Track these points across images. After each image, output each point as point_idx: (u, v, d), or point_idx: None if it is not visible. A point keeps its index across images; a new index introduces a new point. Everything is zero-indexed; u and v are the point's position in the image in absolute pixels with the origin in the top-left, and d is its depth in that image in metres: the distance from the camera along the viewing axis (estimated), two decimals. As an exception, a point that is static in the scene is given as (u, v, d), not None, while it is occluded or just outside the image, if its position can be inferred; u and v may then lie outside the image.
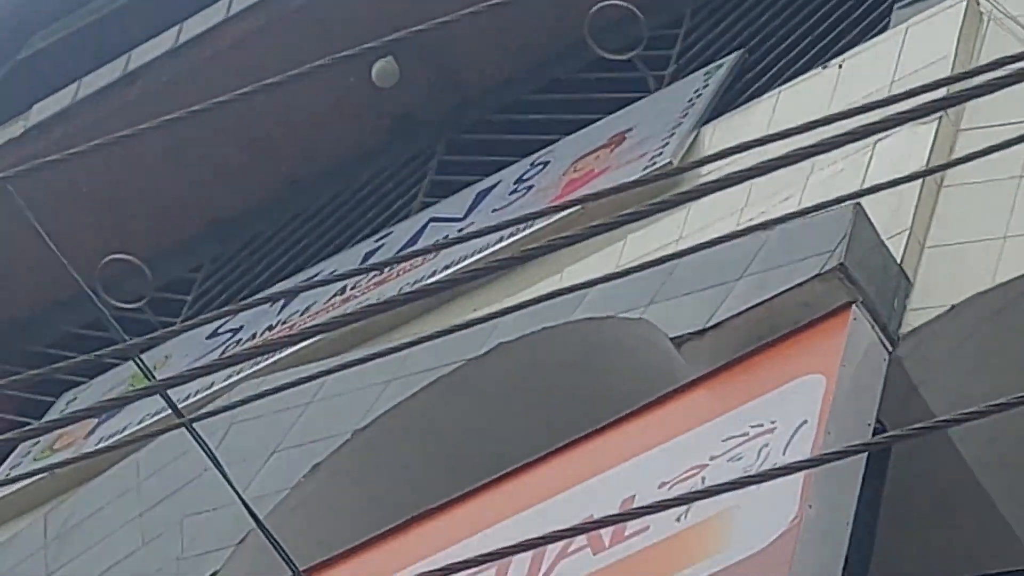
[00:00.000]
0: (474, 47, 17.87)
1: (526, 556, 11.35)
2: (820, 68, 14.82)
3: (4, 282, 19.16)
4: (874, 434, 11.26)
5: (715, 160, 9.17)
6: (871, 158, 12.66)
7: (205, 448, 9.63)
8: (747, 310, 12.05)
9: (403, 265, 15.99)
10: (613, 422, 12.27)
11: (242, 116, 17.44)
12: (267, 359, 15.02)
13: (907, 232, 12.45)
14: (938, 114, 12.57)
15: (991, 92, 7.82)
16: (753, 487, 9.40)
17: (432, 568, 10.72)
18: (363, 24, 17.16)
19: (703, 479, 10.84)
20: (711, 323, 12.16)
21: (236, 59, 18.00)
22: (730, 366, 12.07)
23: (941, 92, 9.53)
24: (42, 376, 16.75)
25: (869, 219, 12.12)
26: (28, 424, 17.14)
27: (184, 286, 18.56)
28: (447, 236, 15.92)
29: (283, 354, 14.90)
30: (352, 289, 16.25)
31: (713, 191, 8.75)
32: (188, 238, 18.82)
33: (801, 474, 10.13)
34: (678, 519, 10.62)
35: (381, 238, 17.10)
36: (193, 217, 18.85)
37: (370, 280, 16.19)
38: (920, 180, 12.52)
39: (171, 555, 13.59)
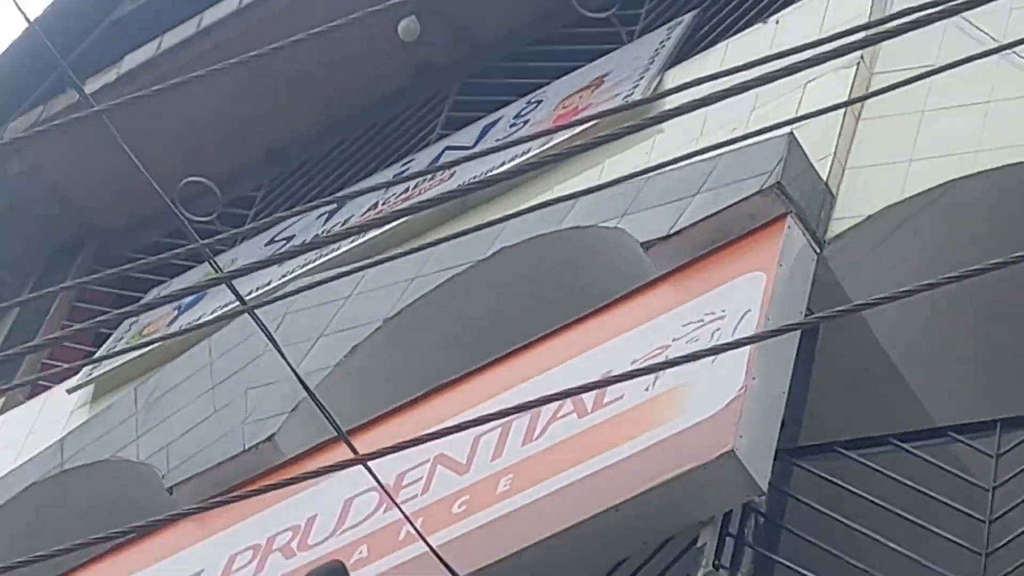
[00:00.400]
0: (481, 8, 17.85)
1: (524, 418, 11.42)
2: (761, 23, 14.74)
3: (104, 200, 19.03)
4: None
5: (676, 92, 9.28)
6: (802, 96, 12.59)
7: (265, 331, 10.08)
8: (702, 220, 12.14)
9: (423, 184, 15.78)
10: (594, 311, 12.40)
11: (291, 63, 17.31)
12: (314, 260, 15.13)
13: (831, 156, 12.58)
14: (856, 55, 12.75)
15: (896, 36, 7.93)
16: (707, 363, 10.33)
17: (450, 425, 11.31)
18: (392, -10, 17.00)
19: (666, 356, 10.81)
20: (673, 231, 12.24)
21: (289, 16, 17.42)
22: (688, 265, 12.17)
23: (859, 35, 9.61)
24: (135, 273, 16.94)
25: (801, 146, 12.15)
26: (108, 334, 17.57)
27: (247, 203, 18.42)
28: (466, 151, 16.04)
29: (327, 256, 14.96)
30: (383, 205, 15.96)
31: (673, 116, 8.87)
32: (250, 164, 18.68)
33: (746, 350, 10.43)
34: (646, 389, 10.74)
35: (406, 163, 16.94)
36: (254, 147, 18.64)
37: (397, 196, 16.00)
38: (842, 112, 12.72)
39: (237, 420, 13.69)
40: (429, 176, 15.68)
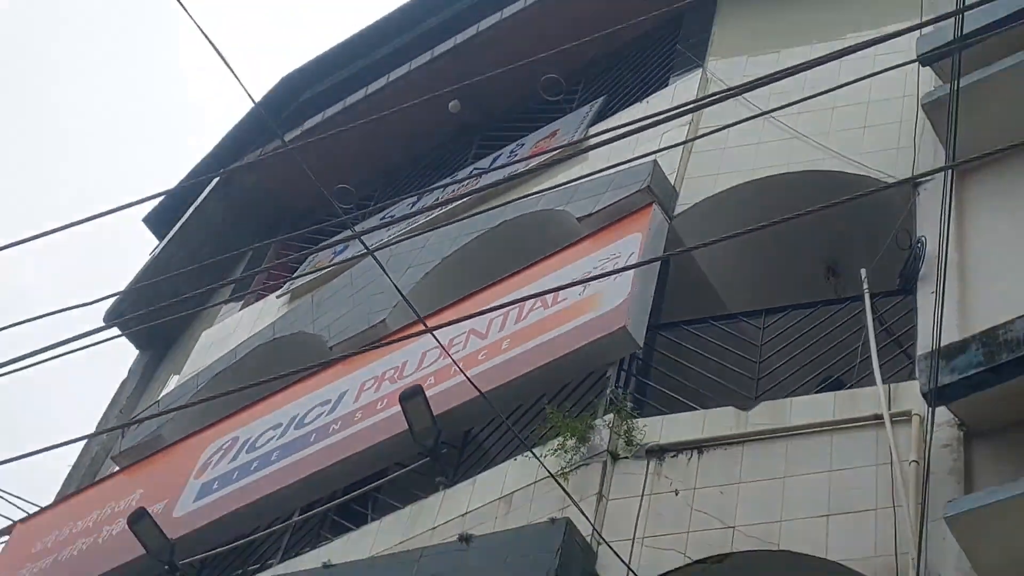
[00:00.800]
0: (492, 96, 18.08)
1: (516, 309, 12.80)
2: (642, 102, 15.60)
3: (295, 196, 19.10)
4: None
5: (595, 137, 11.19)
6: (660, 139, 12.97)
7: (380, 266, 11.14)
8: (608, 205, 13.48)
9: (461, 187, 16.59)
10: (552, 253, 13.59)
11: (396, 123, 17.38)
12: (405, 228, 15.83)
13: (676, 172, 13.80)
14: (688, 118, 13.80)
15: (713, 104, 9.71)
16: (610, 280, 11.83)
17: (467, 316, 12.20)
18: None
19: (589, 273, 12.17)
20: (594, 211, 13.64)
21: (394, 95, 17.96)
22: (602, 230, 13.45)
23: (688, 117, 11.75)
24: (311, 238, 17.81)
25: (660, 166, 13.34)
26: (297, 267, 18.49)
27: (369, 198, 18.40)
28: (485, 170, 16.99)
29: (412, 224, 15.64)
30: (440, 199, 16.53)
31: (593, 149, 10.86)
32: (371, 177, 18.82)
33: (631, 273, 11.85)
34: (579, 294, 12.16)
35: (452, 177, 17.50)
36: (374, 169, 18.81)
37: (449, 193, 16.64)
38: (681, 148, 13.77)
39: (365, 311, 14.81)
40: (464, 182, 16.48)
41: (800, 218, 9.74)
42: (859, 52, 7.58)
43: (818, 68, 7.66)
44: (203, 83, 59.51)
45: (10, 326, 6.54)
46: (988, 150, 8.83)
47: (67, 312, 6.69)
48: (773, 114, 11.81)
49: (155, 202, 20.67)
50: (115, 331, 15.40)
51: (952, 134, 10.56)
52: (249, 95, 7.11)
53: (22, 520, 15.61)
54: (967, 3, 9.62)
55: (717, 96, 10.12)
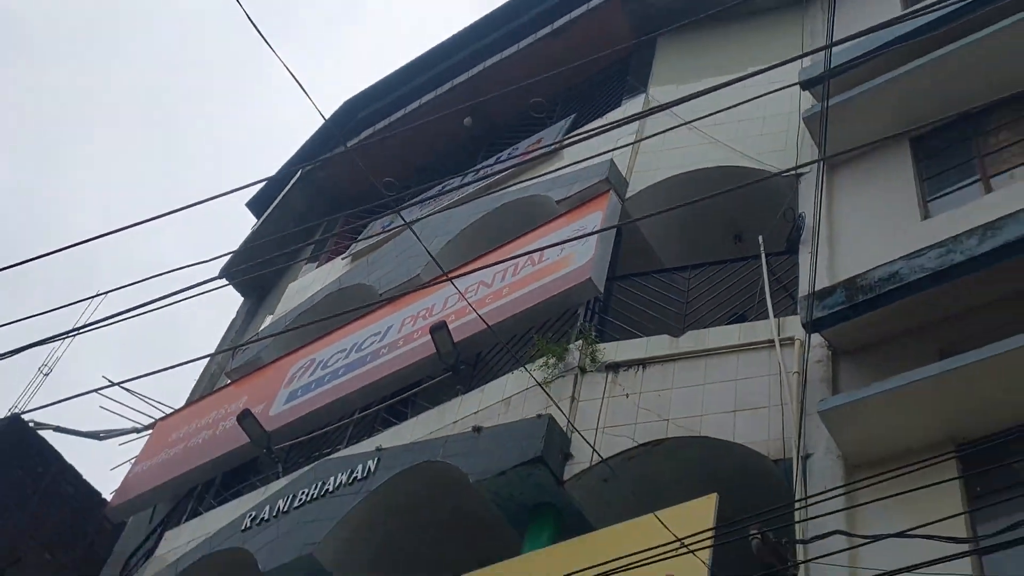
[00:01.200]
0: (497, 114, 17.70)
1: (514, 264, 12.53)
2: (602, 117, 15.18)
3: (351, 185, 18.37)
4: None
5: (568, 141, 11.02)
6: (616, 143, 13.19)
7: (416, 235, 10.99)
8: (577, 192, 13.25)
9: (477, 178, 15.93)
10: (538, 226, 13.26)
11: (425, 132, 17.32)
12: (436, 206, 15.22)
13: (627, 166, 13.53)
14: (636, 125, 13.61)
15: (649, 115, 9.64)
16: (580, 243, 11.70)
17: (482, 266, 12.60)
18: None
19: (564, 243, 11.78)
20: (567, 196, 13.33)
21: (425, 112, 17.77)
22: (572, 210, 13.13)
23: (635, 124, 11.65)
24: (365, 216, 17.13)
25: (615, 163, 13.22)
26: (356, 237, 17.92)
27: (407, 187, 17.16)
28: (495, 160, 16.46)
29: (443, 203, 15.12)
30: (458, 189, 16.07)
31: (567, 147, 10.67)
32: (408, 171, 17.90)
33: (595, 239, 11.77)
34: (559, 254, 12.05)
35: (467, 172, 16.72)
36: (408, 165, 17.96)
37: (466, 184, 16.03)
38: (631, 148, 13.62)
39: (405, 268, 14.54)
40: (475, 175, 15.96)
41: (715, 199, 10.31)
42: (758, 77, 7.51)
43: (729, 90, 7.65)
44: (289, 108, 60.78)
45: (156, 276, 6.43)
46: (848, 148, 8.86)
47: (194, 267, 6.56)
48: (696, 125, 12.05)
49: (255, 189, 20.65)
50: (225, 282, 17.11)
51: (824, 139, 10.65)
52: (321, 114, 6.81)
53: (162, 418, 15.75)
54: (834, 42, 9.87)
55: (654, 110, 10.01)
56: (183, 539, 12.85)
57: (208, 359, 17.79)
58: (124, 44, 57.26)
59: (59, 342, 14.53)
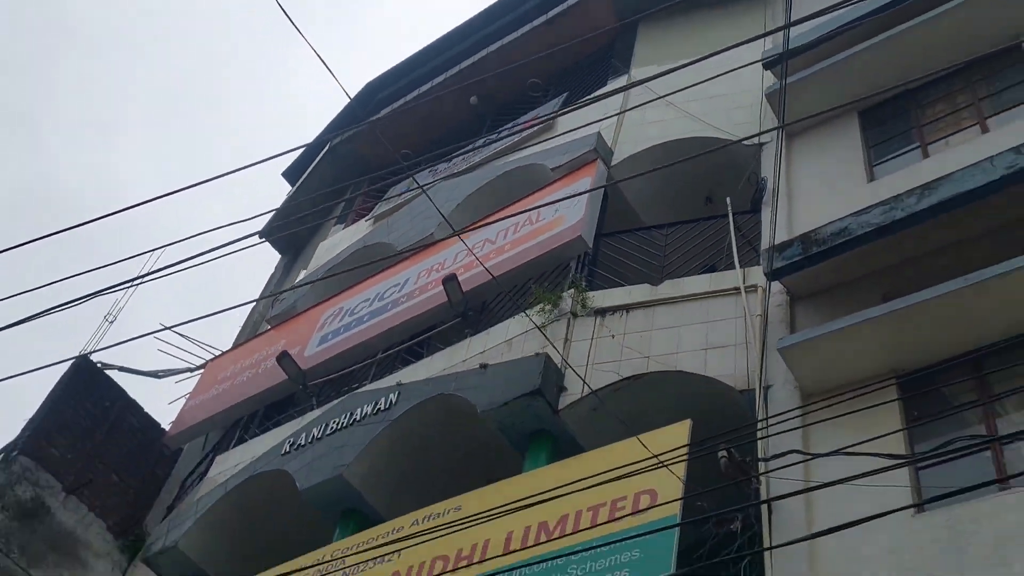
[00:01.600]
0: (500, 95, 17.24)
1: (515, 221, 12.42)
2: (590, 95, 14.51)
3: (373, 156, 18.10)
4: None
5: (560, 112, 10.92)
6: (603, 115, 12.85)
7: (430, 199, 11.20)
8: (569, 161, 13.08)
9: (477, 149, 15.61)
10: (536, 190, 13.03)
11: (438, 106, 17.10)
12: (448, 174, 15.41)
13: (612, 138, 13.28)
14: (620, 103, 13.45)
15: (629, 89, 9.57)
16: (571, 203, 11.70)
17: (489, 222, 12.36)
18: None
19: (558, 203, 11.86)
20: (560, 164, 13.21)
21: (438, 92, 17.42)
22: (565, 176, 12.96)
23: (620, 102, 11.53)
24: (386, 182, 16.95)
25: (602, 135, 13.09)
26: (378, 201, 17.45)
27: (418, 156, 16.64)
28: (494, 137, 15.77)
29: (454, 171, 15.25)
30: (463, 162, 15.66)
31: (561, 116, 10.62)
32: (420, 145, 17.11)
33: (585, 199, 11.68)
34: (554, 214, 11.96)
35: (473, 144, 15.69)
36: (421, 140, 17.24)
37: (470, 156, 15.71)
38: (616, 119, 13.30)
39: (422, 230, 14.22)
40: (480, 147, 15.45)
41: (689, 166, 10.78)
42: (728, 59, 7.48)
43: (702, 70, 7.63)
44: (317, 92, 61.14)
45: (208, 231, 6.35)
46: (803, 117, 8.79)
47: (237, 228, 6.55)
48: (673, 101, 12.02)
49: (291, 160, 20.51)
50: (263, 241, 17.26)
51: (783, 112, 10.65)
52: (347, 94, 6.81)
53: (212, 359, 15.77)
54: (791, 22, 9.72)
55: (634, 84, 9.93)
56: (231, 463, 12.92)
57: (251, 308, 17.74)
58: (166, 38, 57.45)
59: (123, 292, 14.65)
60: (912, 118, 10.40)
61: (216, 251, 6.15)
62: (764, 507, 7.30)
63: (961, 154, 9.05)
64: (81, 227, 6.02)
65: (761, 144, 11.57)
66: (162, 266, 6.33)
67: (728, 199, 11.04)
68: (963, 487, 5.83)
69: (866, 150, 10.34)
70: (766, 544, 7.08)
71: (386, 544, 8.80)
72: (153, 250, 6.10)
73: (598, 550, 7.53)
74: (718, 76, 7.56)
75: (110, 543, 13.28)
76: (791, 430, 7.17)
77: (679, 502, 7.33)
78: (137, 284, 6.30)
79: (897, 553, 6.67)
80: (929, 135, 10.05)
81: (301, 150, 19.01)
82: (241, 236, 6.22)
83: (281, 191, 24.72)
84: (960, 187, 8.06)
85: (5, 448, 13.27)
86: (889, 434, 6.34)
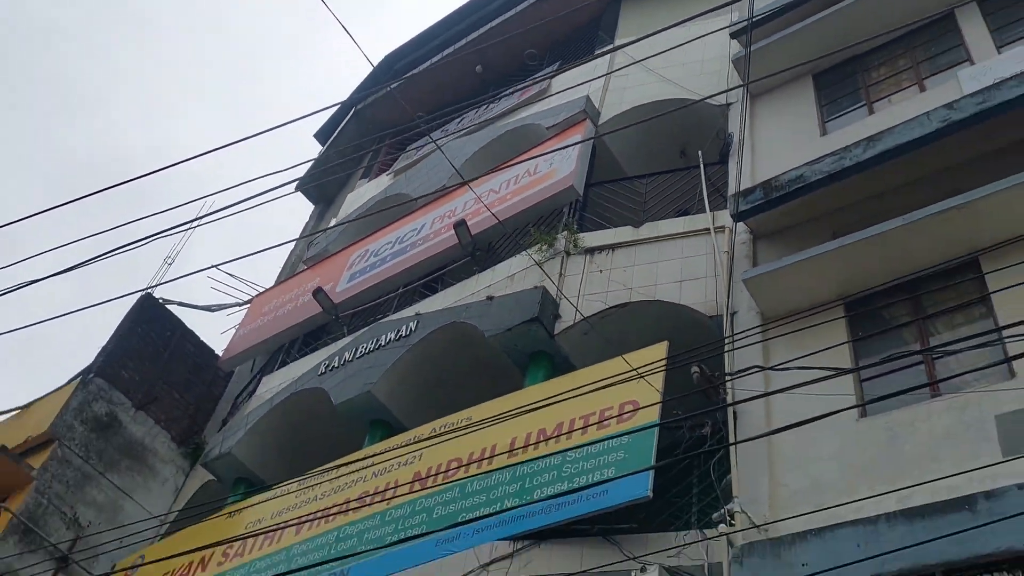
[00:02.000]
0: (500, 63, 16.91)
1: (516, 171, 12.14)
2: (579, 62, 14.06)
3: (393, 118, 17.77)
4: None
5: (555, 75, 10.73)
6: (590, 85, 13.03)
7: (444, 154, 11.34)
8: (563, 120, 12.97)
9: (479, 111, 15.69)
10: (534, 146, 12.92)
11: (442, 72, 16.74)
12: (457, 134, 15.04)
13: (599, 100, 13.09)
14: (606, 69, 13.22)
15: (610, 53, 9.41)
16: (564, 155, 11.61)
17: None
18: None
19: (551, 155, 11.86)
20: (554, 123, 13.08)
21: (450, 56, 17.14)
22: (558, 134, 12.75)
23: (605, 66, 11.33)
24: (405, 141, 16.74)
25: (591, 99, 12.96)
26: (397, 158, 17.27)
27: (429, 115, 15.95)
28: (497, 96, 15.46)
29: (462, 132, 14.97)
30: (468, 123, 15.38)
31: (555, 77, 10.38)
32: (428, 105, 16.50)
33: (576, 150, 11.63)
34: (548, 167, 11.87)
35: (477, 105, 15.85)
36: (428, 104, 16.53)
37: (469, 120, 15.54)
38: (601, 87, 13.14)
39: (437, 182, 13.92)
40: (484, 105, 15.53)
41: (666, 125, 11.04)
42: (700, 28, 7.40)
43: (675, 39, 7.54)
44: (343, 59, 60.84)
45: (251, 180, 6.29)
46: (764, 76, 8.73)
47: (275, 180, 6.51)
48: (652, 67, 11.84)
49: (322, 122, 20.15)
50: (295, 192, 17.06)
51: (747, 75, 10.49)
52: (370, 62, 6.78)
53: (257, 295, 15.74)
54: None
55: (615, 48, 10.11)
56: (276, 382, 12.94)
57: (290, 251, 17.68)
58: (214, 17, 56.90)
59: (179, 237, 15.22)
60: (859, 80, 10.27)
61: (259, 196, 6.05)
62: (730, 411, 7.31)
63: (902, 110, 8.97)
64: (143, 178, 5.91)
65: (728, 104, 11.42)
66: (213, 210, 6.30)
67: (700, 152, 10.94)
68: (899, 390, 5.82)
69: (819, 108, 10.23)
70: (732, 443, 7.11)
71: (409, 448, 8.94)
72: (205, 197, 6.04)
73: (589, 451, 7.59)
74: (691, 42, 7.46)
75: (174, 451, 13.41)
76: (753, 344, 7.27)
77: (658, 407, 7.33)
78: (194, 227, 6.32)
79: (843, 452, 6.74)
80: (874, 94, 9.94)
81: (333, 109, 18.69)
82: (280, 186, 6.08)
83: (313, 151, 24.59)
84: (900, 138, 8.02)
85: (82, 371, 13.37)
86: (835, 346, 6.41)
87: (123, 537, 9.87)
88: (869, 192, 8.47)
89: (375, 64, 10.58)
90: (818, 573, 5.75)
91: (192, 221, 6.27)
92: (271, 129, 5.64)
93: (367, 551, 8.13)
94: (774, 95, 10.84)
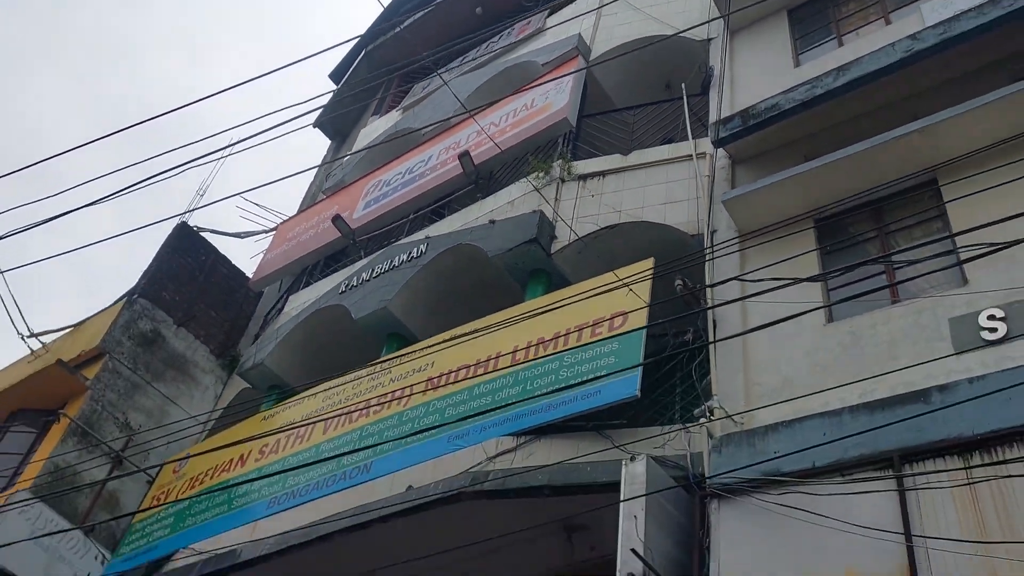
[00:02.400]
0: (498, 2, 16.51)
1: (508, 113, 11.83)
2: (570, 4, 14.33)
3: (401, 58, 17.26)
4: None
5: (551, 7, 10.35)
6: (581, 24, 12.76)
7: (451, 89, 11.01)
8: (556, 56, 12.75)
9: (478, 59, 15.33)
10: (528, 83, 12.40)
11: (436, 20, 16.27)
12: (461, 72, 14.81)
13: (590, 40, 12.84)
14: (593, 10, 12.80)
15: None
16: (558, 89, 11.38)
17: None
18: None
19: (547, 89, 11.70)
20: (549, 60, 12.76)
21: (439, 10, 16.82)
22: (553, 70, 12.45)
23: (591, 17, 11.01)
24: (413, 78, 16.24)
25: (583, 37, 12.64)
26: (405, 95, 16.97)
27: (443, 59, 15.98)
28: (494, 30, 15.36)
29: (466, 69, 14.79)
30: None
31: (547, 21, 10.06)
32: (446, 43, 15.39)
33: (569, 84, 11.40)
34: (544, 100, 11.49)
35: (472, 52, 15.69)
36: (441, 41, 15.79)
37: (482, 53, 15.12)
38: (592, 27, 12.81)
39: (443, 115, 13.77)
40: (484, 44, 15.09)
41: (651, 56, 10.81)
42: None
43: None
44: (356, 6, 60.01)
45: (277, 111, 6.23)
46: (739, 8, 8.53)
47: (290, 113, 6.39)
48: (637, 3, 12.06)
49: (336, 63, 19.77)
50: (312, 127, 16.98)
51: (728, 13, 10.40)
52: (381, 3, 6.54)
53: (282, 223, 15.67)
54: None
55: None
56: (301, 300, 12.94)
57: (310, 182, 17.54)
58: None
59: (210, 170, 14.64)
60: (830, 15, 10.06)
61: (279, 128, 5.97)
62: (709, 317, 7.33)
63: (869, 42, 8.79)
64: (175, 117, 5.80)
65: (709, 40, 11.22)
66: (239, 139, 6.16)
67: (683, 85, 10.76)
68: (862, 292, 5.96)
69: (793, 42, 10.03)
70: (711, 347, 7.15)
71: (422, 355, 9.00)
72: (231, 128, 5.94)
73: (583, 356, 7.63)
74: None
75: (213, 362, 13.49)
76: (731, 254, 7.28)
77: (645, 313, 7.32)
78: (224, 155, 6.19)
79: (811, 353, 6.75)
80: (844, 28, 9.75)
81: (349, 45, 18.32)
82: (297, 118, 5.94)
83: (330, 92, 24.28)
84: (867, 68, 7.90)
85: (128, 292, 13.42)
86: (803, 254, 6.38)
87: (170, 434, 9.94)
88: (839, 118, 8.37)
89: (385, 6, 10.30)
90: (787, 456, 5.83)
91: (221, 149, 6.13)
92: (287, 65, 5.57)
93: (387, 441, 8.26)
94: (752, 30, 10.60)
